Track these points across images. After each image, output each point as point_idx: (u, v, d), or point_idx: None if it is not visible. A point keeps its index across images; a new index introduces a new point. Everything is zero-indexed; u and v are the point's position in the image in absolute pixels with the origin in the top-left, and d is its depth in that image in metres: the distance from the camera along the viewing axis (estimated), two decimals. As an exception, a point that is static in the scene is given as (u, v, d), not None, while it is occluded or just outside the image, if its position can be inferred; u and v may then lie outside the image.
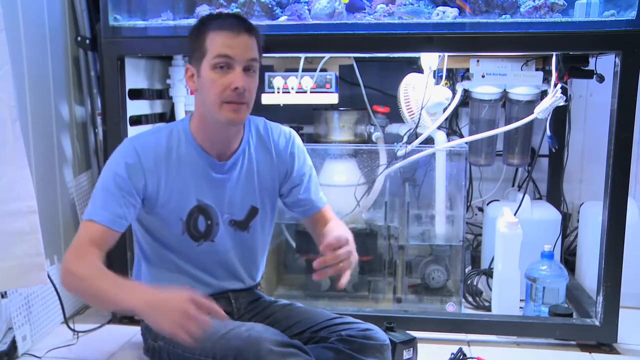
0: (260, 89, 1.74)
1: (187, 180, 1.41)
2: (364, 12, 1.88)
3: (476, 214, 2.63)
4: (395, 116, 2.11)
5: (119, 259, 1.92)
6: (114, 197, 1.34)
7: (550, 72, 1.94)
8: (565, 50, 1.88)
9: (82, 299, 1.42)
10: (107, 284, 1.24)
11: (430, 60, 1.99)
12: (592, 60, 1.99)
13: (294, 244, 2.21)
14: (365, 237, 2.13)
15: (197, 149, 1.42)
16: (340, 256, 1.27)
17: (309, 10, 1.87)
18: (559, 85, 1.88)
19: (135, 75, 2.07)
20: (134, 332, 1.96)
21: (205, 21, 1.37)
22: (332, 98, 2.05)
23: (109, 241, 1.34)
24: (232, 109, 1.34)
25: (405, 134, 2.06)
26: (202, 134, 1.42)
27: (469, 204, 2.56)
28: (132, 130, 2.02)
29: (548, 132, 2.03)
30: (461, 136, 2.40)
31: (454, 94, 2.05)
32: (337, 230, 1.45)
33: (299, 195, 1.55)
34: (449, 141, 2.07)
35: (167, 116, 2.33)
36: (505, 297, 2.02)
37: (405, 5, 1.85)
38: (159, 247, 1.44)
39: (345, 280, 1.27)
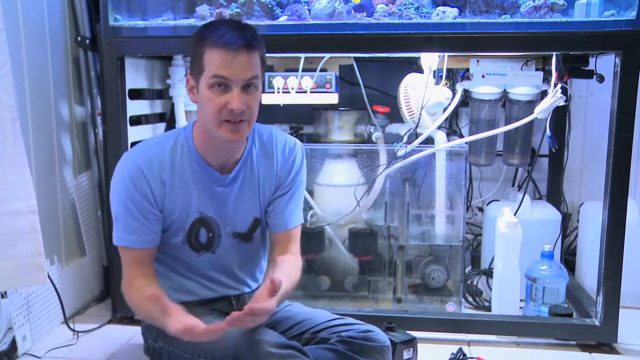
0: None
1: (189, 192, 1.39)
2: (366, 14, 1.88)
3: (476, 214, 2.63)
4: (395, 116, 2.11)
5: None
6: (136, 219, 1.35)
7: (550, 72, 1.94)
8: (565, 50, 1.88)
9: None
10: (150, 313, 1.29)
11: (430, 60, 1.99)
12: (592, 60, 1.99)
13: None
14: (365, 237, 2.13)
15: (199, 162, 1.39)
16: (256, 311, 1.19)
17: (309, 10, 1.87)
18: (559, 85, 1.88)
19: (135, 75, 2.07)
20: (134, 332, 1.96)
21: (204, 34, 1.30)
22: (332, 98, 2.05)
23: (149, 258, 1.39)
24: (230, 129, 1.31)
25: (405, 134, 2.06)
26: (204, 145, 1.39)
27: (469, 204, 2.56)
28: (132, 130, 2.02)
29: (548, 132, 2.03)
30: (461, 136, 2.40)
31: (454, 94, 2.05)
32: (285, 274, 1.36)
33: (276, 208, 1.49)
34: (449, 141, 2.07)
35: (167, 116, 2.32)
36: (505, 297, 2.02)
37: (405, 5, 1.85)
38: (160, 254, 1.44)
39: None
